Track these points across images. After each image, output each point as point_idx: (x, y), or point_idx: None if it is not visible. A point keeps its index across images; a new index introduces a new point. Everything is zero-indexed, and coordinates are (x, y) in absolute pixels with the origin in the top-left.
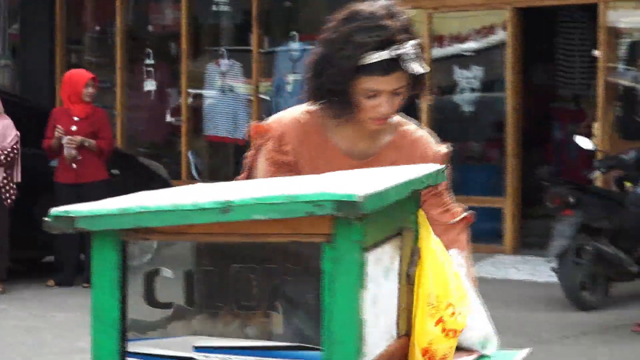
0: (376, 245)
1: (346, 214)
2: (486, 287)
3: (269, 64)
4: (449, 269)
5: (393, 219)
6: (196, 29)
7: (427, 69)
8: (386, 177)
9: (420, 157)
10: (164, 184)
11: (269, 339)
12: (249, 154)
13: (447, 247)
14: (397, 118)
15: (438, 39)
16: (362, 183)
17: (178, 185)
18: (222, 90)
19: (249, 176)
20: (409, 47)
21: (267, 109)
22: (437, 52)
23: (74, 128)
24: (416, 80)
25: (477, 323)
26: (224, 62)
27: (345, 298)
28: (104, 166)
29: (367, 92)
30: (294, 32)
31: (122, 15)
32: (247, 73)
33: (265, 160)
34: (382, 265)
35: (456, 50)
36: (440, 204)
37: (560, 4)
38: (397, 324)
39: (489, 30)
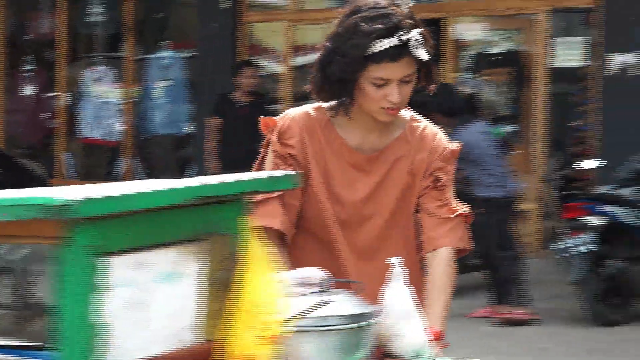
0: (137, 249)
1: (56, 217)
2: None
3: (141, 70)
4: (271, 275)
5: (178, 223)
6: (73, 37)
7: (432, 56)
8: (162, 184)
9: (429, 152)
10: (41, 182)
11: (14, 338)
12: (262, 147)
13: (436, 241)
14: (409, 114)
15: (299, 49)
16: (106, 190)
17: (55, 183)
18: (96, 94)
19: (260, 168)
20: (415, 33)
21: (138, 113)
22: (299, 60)
23: None
24: (423, 69)
25: (410, 332)
26: (99, 69)
27: (74, 301)
28: None
29: (376, 80)
30: (165, 41)
31: (3, 23)
32: (120, 79)
33: (272, 152)
34: (154, 270)
35: (310, 61)
36: (440, 197)
37: None
38: (197, 329)
39: None
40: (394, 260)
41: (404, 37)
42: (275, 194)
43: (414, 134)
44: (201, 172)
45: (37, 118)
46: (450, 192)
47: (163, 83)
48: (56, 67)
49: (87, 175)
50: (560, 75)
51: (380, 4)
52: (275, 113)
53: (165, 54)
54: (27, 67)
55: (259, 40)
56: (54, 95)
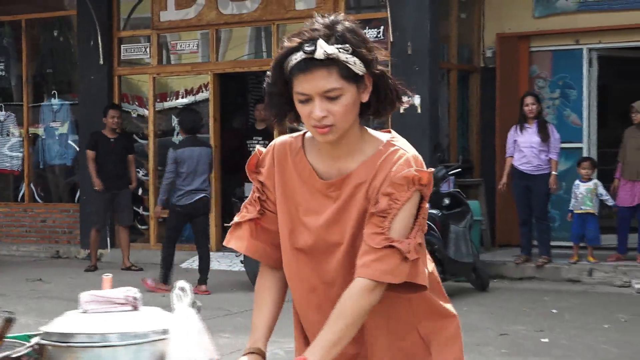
0: None
1: None
2: (196, 276)
3: (36, 114)
4: None
5: None
6: None
7: (374, 70)
8: None
9: (385, 177)
10: None
11: None
12: None
13: (357, 269)
14: (386, 138)
15: (161, 96)
16: None
17: None
18: (1, 134)
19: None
20: (320, 43)
21: (36, 148)
22: (160, 105)
23: None
24: (379, 86)
25: (188, 353)
26: (1, 114)
27: None
28: None
29: (299, 96)
30: (54, 91)
31: None
32: (19, 122)
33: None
34: None
35: (174, 104)
36: (379, 225)
37: (246, 71)
38: None
39: (197, 89)
40: (183, 283)
41: (308, 49)
42: (247, 218)
43: (379, 157)
44: (84, 194)
45: None
46: (392, 222)
47: (54, 124)
48: None
49: None
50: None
51: (317, 21)
52: (133, 146)
53: (54, 101)
54: None
55: (128, 89)
56: None
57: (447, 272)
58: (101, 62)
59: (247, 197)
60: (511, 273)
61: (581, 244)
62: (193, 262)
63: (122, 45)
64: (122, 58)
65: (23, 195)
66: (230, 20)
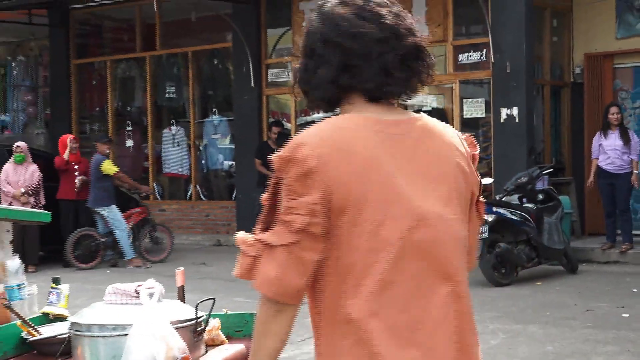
0: None
1: None
2: None
3: (201, 128)
4: None
5: None
6: (156, 108)
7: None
8: None
9: None
10: (136, 203)
11: None
12: None
13: None
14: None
15: (301, 112)
16: None
17: (147, 203)
18: (173, 144)
19: None
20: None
21: (201, 156)
22: (303, 119)
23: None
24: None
25: (141, 351)
26: (173, 128)
27: None
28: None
29: None
30: (215, 109)
31: (112, 101)
32: (187, 134)
33: None
34: None
35: (314, 118)
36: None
37: None
38: None
39: None
40: (151, 282)
41: None
42: None
43: None
44: (239, 193)
45: (136, 161)
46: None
47: (215, 136)
48: (147, 128)
49: (170, 197)
50: (468, 123)
51: None
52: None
53: (215, 117)
54: (128, 129)
55: (277, 107)
56: (145, 146)
57: (541, 257)
58: (252, 84)
59: None
60: (598, 258)
61: None
62: None
63: (269, 70)
64: (269, 81)
65: (191, 194)
66: None
